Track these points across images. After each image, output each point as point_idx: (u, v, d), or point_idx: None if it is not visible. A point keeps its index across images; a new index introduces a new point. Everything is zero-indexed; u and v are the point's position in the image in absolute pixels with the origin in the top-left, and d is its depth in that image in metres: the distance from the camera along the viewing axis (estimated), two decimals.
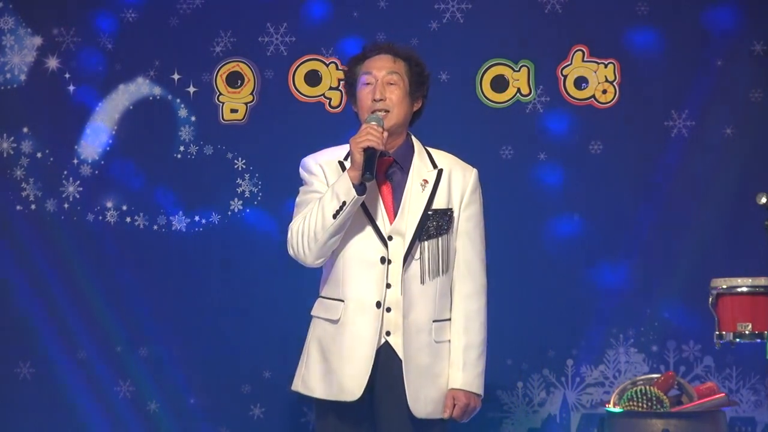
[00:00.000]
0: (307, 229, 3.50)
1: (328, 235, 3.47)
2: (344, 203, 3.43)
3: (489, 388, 4.89)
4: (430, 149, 3.67)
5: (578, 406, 4.96)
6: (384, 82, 3.58)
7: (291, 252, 3.57)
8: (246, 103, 5.10)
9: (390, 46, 3.66)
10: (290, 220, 3.74)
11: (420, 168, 3.60)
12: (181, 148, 5.10)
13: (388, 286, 3.50)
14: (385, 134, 3.49)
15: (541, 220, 4.99)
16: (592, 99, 5.03)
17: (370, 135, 3.43)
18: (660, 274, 4.95)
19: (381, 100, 3.55)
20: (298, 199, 3.64)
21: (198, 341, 5.01)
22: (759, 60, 5.00)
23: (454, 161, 3.67)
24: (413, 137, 3.68)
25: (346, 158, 3.58)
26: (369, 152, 3.43)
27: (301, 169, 3.67)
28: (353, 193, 3.42)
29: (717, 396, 4.15)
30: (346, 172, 3.47)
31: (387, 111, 3.55)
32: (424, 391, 3.51)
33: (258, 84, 5.09)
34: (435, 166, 3.62)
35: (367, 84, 3.59)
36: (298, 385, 3.61)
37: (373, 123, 3.49)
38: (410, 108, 3.62)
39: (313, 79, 5.08)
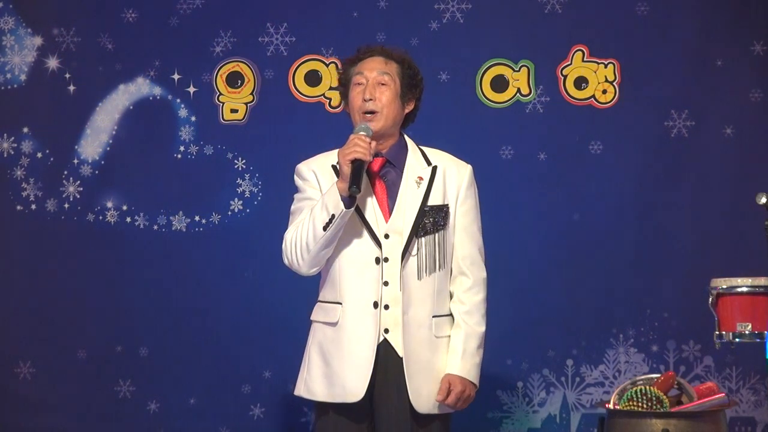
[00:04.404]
0: (299, 240, 3.54)
1: (319, 246, 3.51)
2: (333, 216, 3.45)
3: (489, 388, 4.91)
4: (423, 148, 3.70)
5: (578, 406, 4.96)
6: (375, 83, 3.61)
7: (286, 261, 3.62)
8: (246, 103, 5.10)
9: (383, 48, 3.69)
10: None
11: (414, 166, 3.62)
12: (181, 148, 5.10)
13: (386, 283, 3.52)
14: (373, 144, 3.52)
15: (541, 220, 4.99)
16: (592, 99, 5.03)
17: (358, 147, 3.46)
18: (660, 274, 4.95)
19: (371, 99, 3.57)
20: (292, 207, 3.68)
21: (198, 341, 5.00)
22: (759, 60, 5.00)
23: (449, 158, 3.70)
24: (406, 137, 3.69)
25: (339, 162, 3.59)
26: (356, 164, 3.45)
27: (295, 176, 3.70)
28: (341, 206, 3.45)
29: (717, 396, 4.14)
30: (335, 183, 3.50)
31: (375, 111, 3.57)
32: (426, 386, 3.53)
33: (258, 84, 5.09)
34: (429, 163, 3.64)
35: (359, 84, 3.63)
36: (300, 390, 3.63)
37: (362, 133, 3.51)
38: (401, 110, 3.65)
39: (313, 79, 5.08)
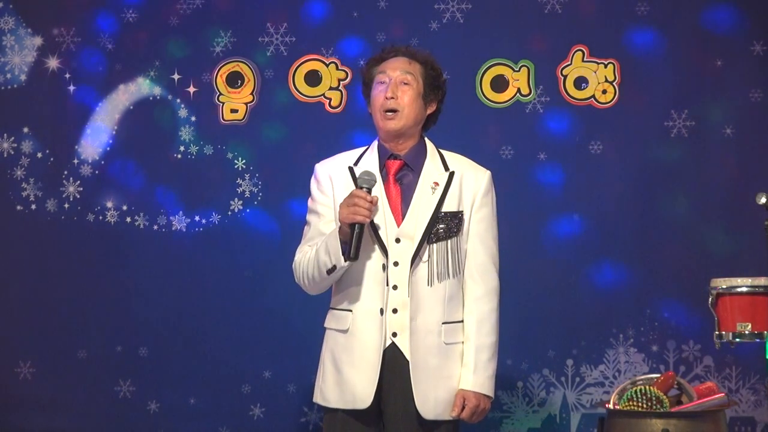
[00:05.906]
0: (306, 270, 3.57)
1: (324, 280, 3.54)
2: (335, 266, 3.46)
3: None
4: (443, 152, 3.68)
5: (578, 406, 4.95)
6: (397, 82, 3.60)
7: (296, 280, 3.65)
8: (246, 103, 5.09)
9: (407, 48, 3.69)
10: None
11: (431, 170, 3.61)
12: (181, 148, 5.10)
13: (395, 287, 3.51)
14: (375, 198, 3.48)
15: (541, 220, 4.99)
16: (592, 99, 5.03)
17: (359, 208, 3.42)
18: (660, 274, 4.95)
19: (392, 98, 3.57)
20: (306, 217, 3.67)
21: (198, 341, 5.00)
22: (759, 60, 5.00)
23: (468, 164, 3.68)
24: (427, 140, 3.68)
25: (356, 163, 3.61)
26: (357, 226, 3.42)
27: (312, 177, 3.67)
28: (341, 260, 3.45)
29: (716, 396, 4.14)
30: (336, 230, 3.48)
31: (396, 110, 3.56)
32: (433, 392, 3.51)
33: (258, 84, 5.09)
34: (447, 168, 3.62)
35: (381, 83, 3.62)
36: (317, 397, 3.64)
37: (365, 187, 3.48)
38: (422, 110, 3.64)
39: (313, 79, 5.08)
